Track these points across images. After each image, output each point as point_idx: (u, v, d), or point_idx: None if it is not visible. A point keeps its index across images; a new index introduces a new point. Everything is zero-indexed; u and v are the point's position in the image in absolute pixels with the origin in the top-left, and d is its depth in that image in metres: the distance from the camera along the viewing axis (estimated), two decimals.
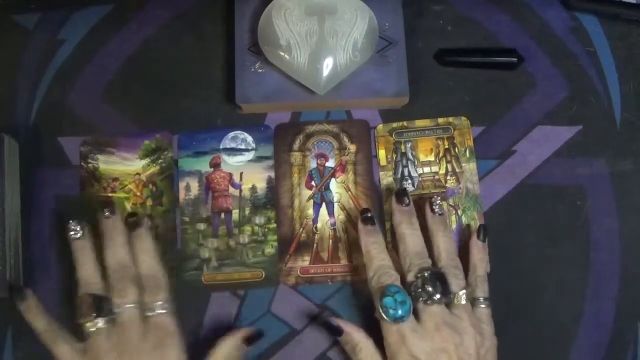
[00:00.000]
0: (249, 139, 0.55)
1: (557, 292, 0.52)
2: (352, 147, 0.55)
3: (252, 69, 0.54)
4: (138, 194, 0.54)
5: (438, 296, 0.45)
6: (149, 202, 0.54)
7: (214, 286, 0.53)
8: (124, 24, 0.58)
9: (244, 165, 0.55)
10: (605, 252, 0.52)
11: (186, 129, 0.55)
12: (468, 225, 0.53)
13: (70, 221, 0.47)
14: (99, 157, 0.55)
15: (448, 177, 0.54)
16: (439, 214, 0.49)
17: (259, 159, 0.55)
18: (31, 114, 0.56)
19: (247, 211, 0.54)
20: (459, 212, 0.54)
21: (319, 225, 0.54)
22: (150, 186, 0.54)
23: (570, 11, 0.57)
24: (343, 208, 0.54)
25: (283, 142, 0.55)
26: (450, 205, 0.54)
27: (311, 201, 0.54)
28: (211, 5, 0.58)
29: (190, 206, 0.54)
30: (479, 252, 0.49)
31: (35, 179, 0.54)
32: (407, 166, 0.55)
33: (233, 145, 0.55)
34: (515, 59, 0.56)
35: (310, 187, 0.55)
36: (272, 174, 0.55)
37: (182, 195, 0.54)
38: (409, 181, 0.54)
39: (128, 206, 0.54)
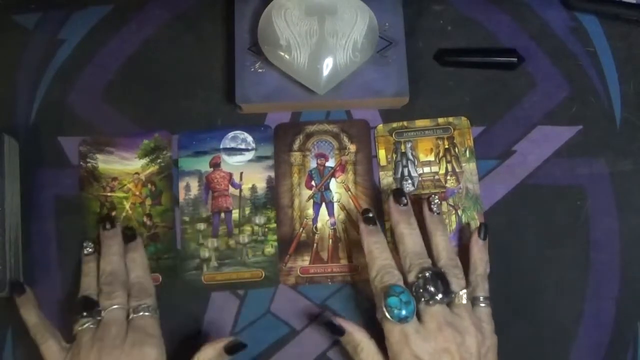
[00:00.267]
0: (249, 138, 0.55)
1: (557, 292, 0.52)
2: (352, 147, 0.55)
3: (252, 69, 0.54)
4: (137, 193, 0.54)
5: (440, 296, 0.45)
6: (148, 202, 0.54)
7: (214, 286, 0.53)
8: (124, 24, 0.58)
9: (244, 165, 0.55)
10: (605, 252, 0.52)
11: (186, 129, 0.55)
12: (468, 224, 0.53)
13: (86, 240, 0.52)
14: (98, 156, 0.55)
15: (448, 177, 0.54)
16: (437, 213, 0.49)
17: (259, 158, 0.55)
18: (31, 114, 0.56)
19: (247, 211, 0.54)
20: (459, 212, 0.54)
21: (318, 225, 0.54)
22: (149, 185, 0.54)
23: (570, 11, 0.57)
24: (343, 208, 0.54)
25: (283, 142, 0.55)
26: (450, 205, 0.54)
27: (311, 201, 0.54)
28: (211, 5, 0.58)
29: (190, 206, 0.54)
30: (479, 251, 0.49)
31: (35, 178, 0.54)
32: (407, 166, 0.55)
33: (233, 145, 0.55)
34: (515, 59, 0.56)
35: (310, 187, 0.55)
36: (272, 174, 0.55)
37: (182, 195, 0.54)
38: (409, 181, 0.54)
39: (127, 205, 0.54)
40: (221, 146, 0.55)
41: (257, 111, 0.56)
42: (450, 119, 0.55)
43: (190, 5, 0.58)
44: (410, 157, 0.55)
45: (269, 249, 0.53)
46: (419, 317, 0.45)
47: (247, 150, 0.55)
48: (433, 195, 0.50)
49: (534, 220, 0.53)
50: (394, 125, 0.55)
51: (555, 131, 0.55)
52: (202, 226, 0.54)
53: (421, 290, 0.45)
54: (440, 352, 0.44)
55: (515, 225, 0.53)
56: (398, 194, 0.49)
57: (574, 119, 0.55)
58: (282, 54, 0.52)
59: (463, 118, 0.55)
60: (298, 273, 0.53)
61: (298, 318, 0.52)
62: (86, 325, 0.47)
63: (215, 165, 0.55)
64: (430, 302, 0.45)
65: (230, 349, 0.47)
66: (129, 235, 0.52)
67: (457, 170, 0.54)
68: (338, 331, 0.47)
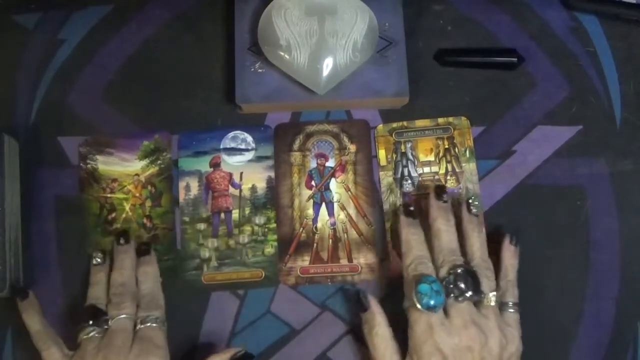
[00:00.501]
0: (249, 139, 0.55)
1: (557, 292, 0.52)
2: (352, 147, 0.55)
3: (252, 69, 0.54)
4: (137, 194, 0.54)
5: (470, 293, 0.45)
6: (148, 203, 0.54)
7: (214, 286, 0.53)
8: (124, 24, 0.58)
9: (244, 165, 0.55)
10: (605, 252, 0.52)
11: (186, 129, 0.55)
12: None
13: (95, 251, 0.52)
14: (98, 158, 0.55)
15: (448, 177, 0.54)
16: (475, 215, 0.50)
17: (259, 158, 0.55)
18: (31, 114, 0.56)
19: (247, 211, 0.54)
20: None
21: (318, 225, 0.54)
22: (149, 187, 0.54)
23: (570, 11, 0.57)
24: (343, 208, 0.54)
25: (283, 142, 0.55)
26: None
27: (311, 201, 0.54)
28: (211, 5, 0.58)
29: (190, 206, 0.54)
30: (511, 257, 0.49)
31: (35, 179, 0.54)
32: (407, 166, 0.55)
33: (233, 145, 0.55)
34: (515, 59, 0.56)
35: (310, 187, 0.55)
36: (272, 174, 0.55)
37: (182, 195, 0.54)
38: (409, 181, 0.54)
39: (127, 207, 0.54)
40: (221, 146, 0.55)
41: (257, 111, 0.56)
42: (450, 119, 0.55)
43: (190, 5, 0.58)
44: (410, 157, 0.55)
45: (269, 249, 0.53)
46: (446, 313, 0.45)
47: (247, 150, 0.55)
48: (472, 197, 0.51)
49: (534, 220, 0.53)
50: (394, 125, 0.55)
51: (555, 131, 0.55)
52: (202, 226, 0.54)
53: (451, 286, 0.45)
54: (462, 349, 0.44)
55: (515, 225, 0.53)
56: (440, 190, 0.50)
57: (574, 119, 0.55)
58: (282, 54, 0.52)
59: (463, 118, 0.55)
60: (298, 273, 0.53)
61: (298, 318, 0.52)
62: (92, 334, 0.46)
63: (215, 165, 0.55)
64: (459, 299, 0.45)
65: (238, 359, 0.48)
66: (143, 250, 0.52)
67: (457, 170, 0.54)
68: (362, 306, 0.47)
